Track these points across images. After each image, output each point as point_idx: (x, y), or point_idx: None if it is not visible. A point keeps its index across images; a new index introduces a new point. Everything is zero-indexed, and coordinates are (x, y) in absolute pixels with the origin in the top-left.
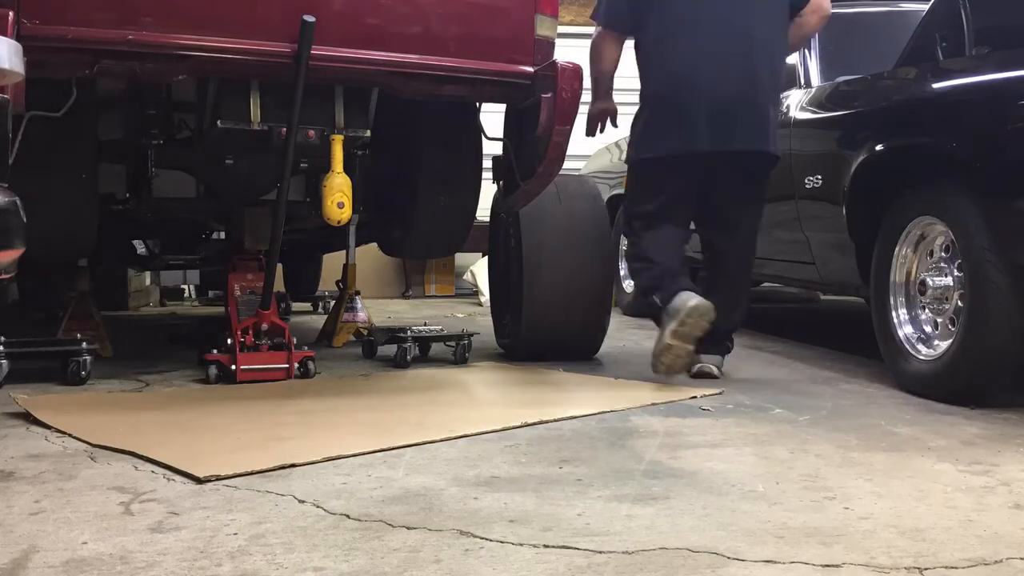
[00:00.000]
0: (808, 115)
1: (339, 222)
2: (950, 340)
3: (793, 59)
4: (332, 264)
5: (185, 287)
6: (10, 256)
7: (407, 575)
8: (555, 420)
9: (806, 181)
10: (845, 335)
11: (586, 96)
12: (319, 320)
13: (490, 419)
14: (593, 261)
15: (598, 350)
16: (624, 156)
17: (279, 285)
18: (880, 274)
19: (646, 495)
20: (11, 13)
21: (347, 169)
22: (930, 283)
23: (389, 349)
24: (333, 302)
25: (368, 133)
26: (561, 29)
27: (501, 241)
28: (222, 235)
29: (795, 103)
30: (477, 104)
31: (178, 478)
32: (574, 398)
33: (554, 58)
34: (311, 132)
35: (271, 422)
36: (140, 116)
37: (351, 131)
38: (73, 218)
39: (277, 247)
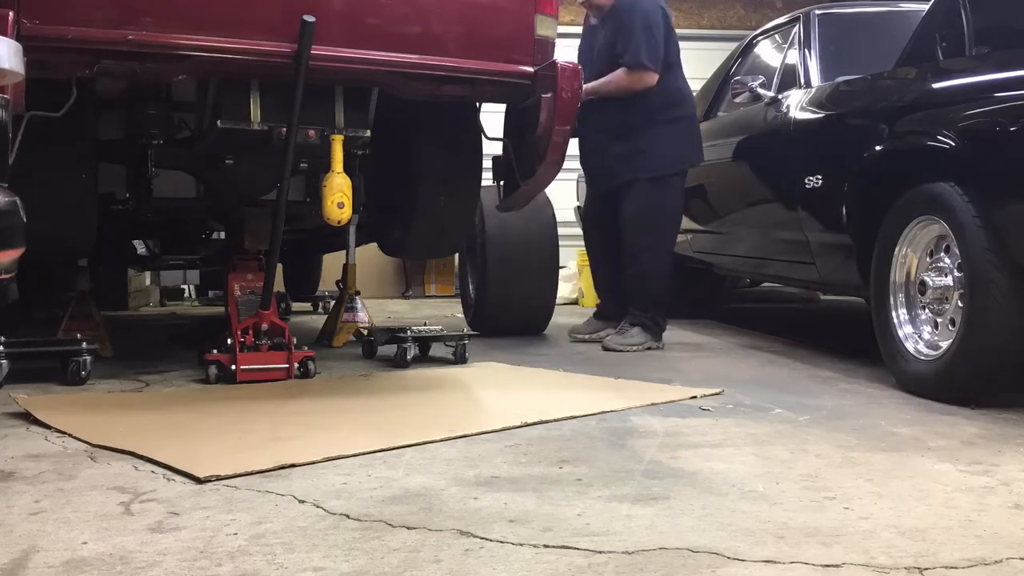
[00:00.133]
0: (808, 115)
1: (339, 222)
2: (950, 340)
3: (793, 59)
4: (332, 264)
5: (185, 287)
6: (10, 256)
7: (407, 575)
8: (555, 420)
9: (806, 181)
10: (845, 335)
11: None
12: (319, 320)
13: (490, 419)
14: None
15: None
16: None
17: (279, 285)
18: (880, 274)
19: (646, 495)
20: (11, 13)
21: (347, 169)
22: (930, 283)
23: (389, 349)
24: (333, 302)
25: (368, 133)
26: (561, 29)
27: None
28: (222, 235)
29: (795, 103)
30: (477, 104)
31: (178, 478)
32: (574, 398)
33: (554, 58)
34: (311, 132)
35: (271, 422)
36: (140, 116)
37: (351, 131)
38: (73, 218)
39: (277, 247)
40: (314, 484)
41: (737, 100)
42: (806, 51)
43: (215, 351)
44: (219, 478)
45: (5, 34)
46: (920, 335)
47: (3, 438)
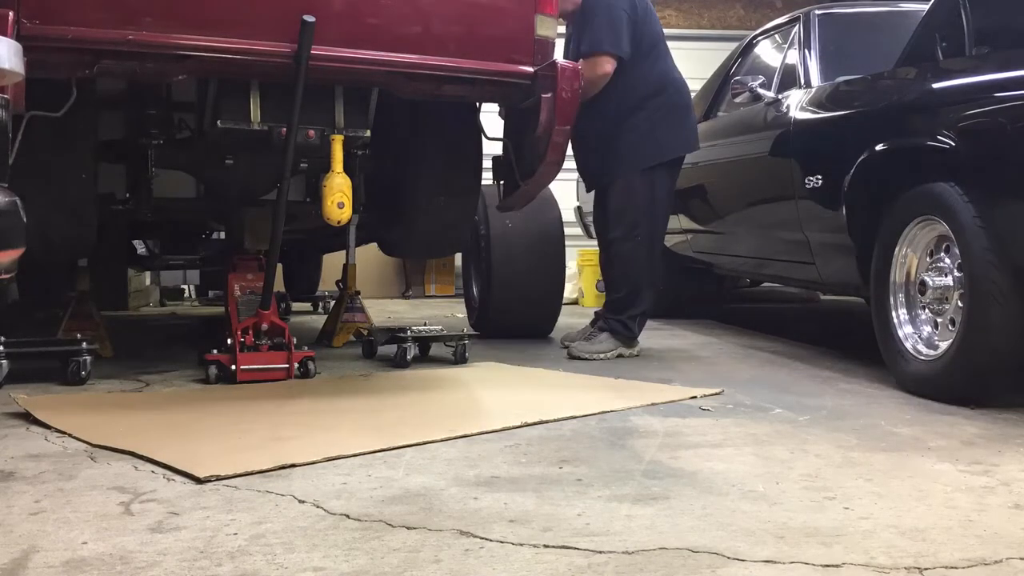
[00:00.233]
0: (808, 115)
1: (339, 222)
2: (950, 340)
3: (793, 59)
4: (332, 264)
5: (185, 287)
6: (10, 256)
7: (407, 575)
8: (555, 420)
9: (806, 181)
10: (845, 335)
11: None
12: (319, 320)
13: (490, 419)
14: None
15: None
16: None
17: (279, 285)
18: (880, 274)
19: (646, 495)
20: (11, 13)
21: (347, 169)
22: (930, 283)
23: (389, 349)
24: (333, 302)
25: (368, 133)
26: (561, 29)
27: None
28: (222, 235)
29: (795, 103)
30: (477, 104)
31: (178, 478)
32: (574, 398)
33: (554, 58)
34: (311, 132)
35: (271, 422)
36: (140, 116)
37: (351, 131)
38: (73, 218)
39: (277, 247)
40: (314, 484)
41: (737, 100)
42: (806, 51)
43: (215, 351)
44: (219, 478)
45: (5, 34)
46: (920, 335)
47: (3, 438)
